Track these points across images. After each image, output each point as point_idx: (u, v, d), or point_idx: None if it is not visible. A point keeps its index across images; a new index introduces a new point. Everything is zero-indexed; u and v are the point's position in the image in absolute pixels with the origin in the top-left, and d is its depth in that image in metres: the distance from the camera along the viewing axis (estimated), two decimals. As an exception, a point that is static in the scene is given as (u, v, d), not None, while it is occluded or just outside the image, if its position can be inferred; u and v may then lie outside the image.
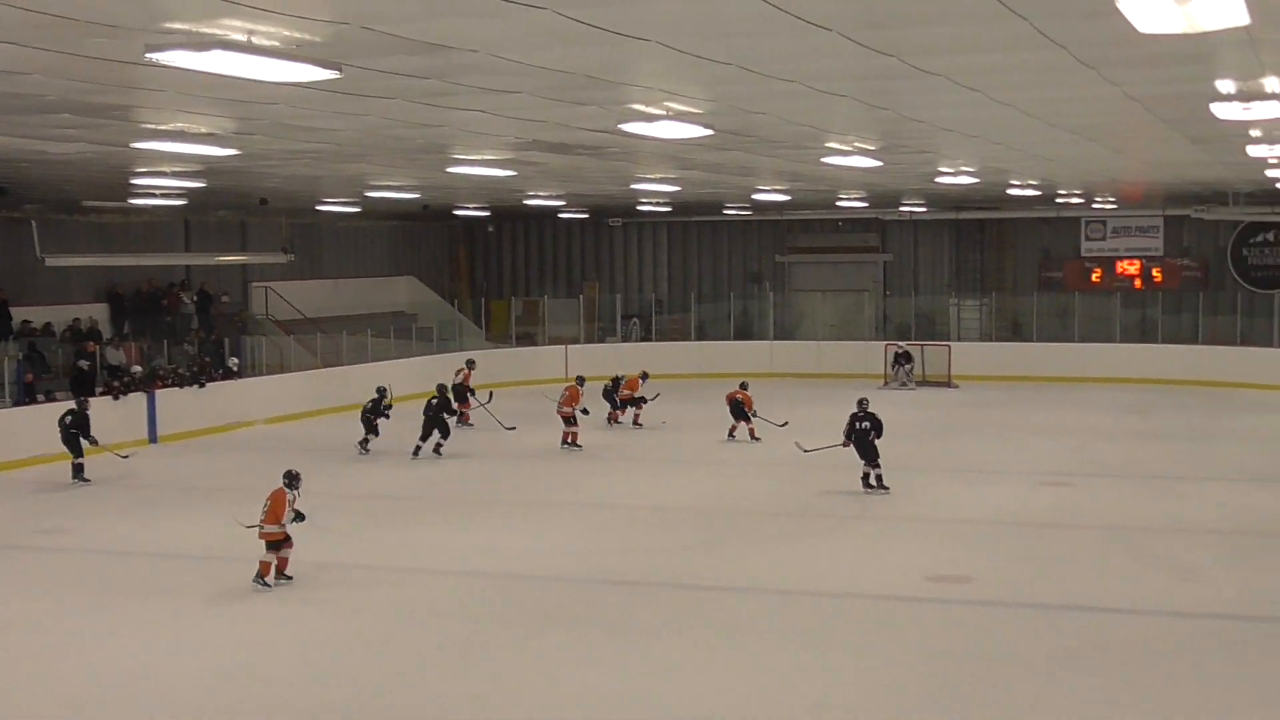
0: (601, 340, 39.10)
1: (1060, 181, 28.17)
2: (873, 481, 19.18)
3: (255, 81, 10.18)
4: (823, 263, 41.68)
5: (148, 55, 8.87)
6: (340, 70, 9.90)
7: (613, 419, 26.92)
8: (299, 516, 14.30)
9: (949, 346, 35.39)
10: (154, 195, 26.06)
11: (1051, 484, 20.09)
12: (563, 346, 36.81)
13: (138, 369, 25.79)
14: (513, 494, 20.11)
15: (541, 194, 30.88)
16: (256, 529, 14.14)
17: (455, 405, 25.03)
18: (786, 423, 24.37)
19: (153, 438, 24.78)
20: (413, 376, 29.00)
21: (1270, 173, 24.02)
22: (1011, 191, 30.58)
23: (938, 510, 18.21)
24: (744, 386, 25.07)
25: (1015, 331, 37.77)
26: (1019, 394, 32.43)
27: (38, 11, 8.09)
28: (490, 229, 44.06)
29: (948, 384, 34.12)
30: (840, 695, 10.79)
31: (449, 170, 21.65)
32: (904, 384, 34.04)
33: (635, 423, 26.64)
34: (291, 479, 14.47)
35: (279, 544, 14.17)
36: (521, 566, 15.16)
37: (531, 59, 10.33)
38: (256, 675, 11.35)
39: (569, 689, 10.94)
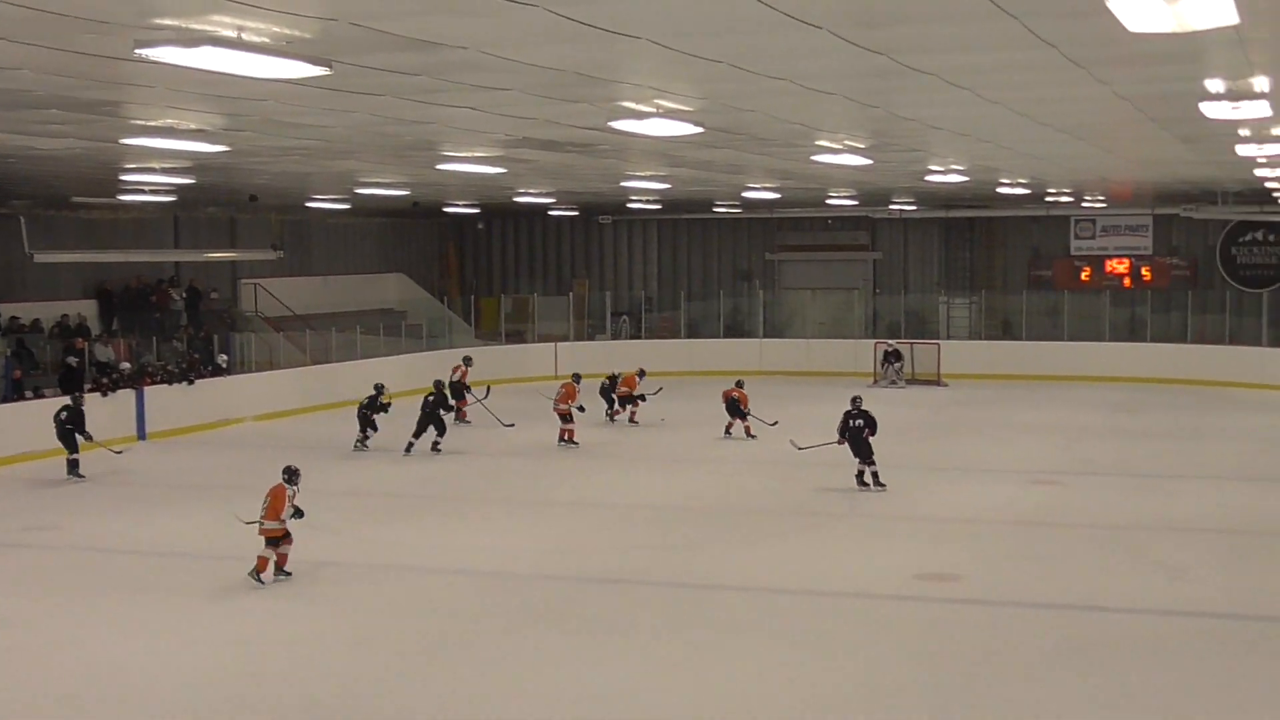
0: (591, 338, 39.11)
1: (1050, 180, 28.20)
2: (868, 479, 19.22)
3: (245, 78, 10.15)
4: (813, 261, 41.68)
5: (137, 51, 8.85)
6: (330, 67, 9.87)
7: (614, 416, 26.93)
8: (298, 513, 14.29)
9: (938, 345, 35.44)
10: (143, 191, 25.99)
11: (1041, 483, 20.12)
12: (552, 344, 36.80)
13: (126, 366, 25.73)
14: (506, 491, 20.10)
15: (531, 191, 30.85)
16: (256, 525, 14.15)
17: (453, 402, 25.07)
18: (776, 422, 24.40)
19: (141, 435, 24.74)
20: (401, 374, 28.99)
21: (1259, 172, 24.07)
22: (1001, 190, 30.62)
23: (927, 509, 18.24)
24: (740, 385, 25.14)
25: (1005, 330, 37.81)
26: (1008, 392, 32.48)
27: (27, 7, 8.06)
28: (480, 226, 44.03)
29: (937, 382, 34.15)
30: (829, 694, 10.80)
31: (439, 167, 21.62)
32: (893, 382, 34.06)
33: (631, 420, 26.68)
34: (291, 475, 14.47)
35: (278, 540, 14.18)
36: (512, 565, 15.14)
37: (521, 56, 10.31)
38: (248, 672, 11.34)
39: (558, 687, 10.93)
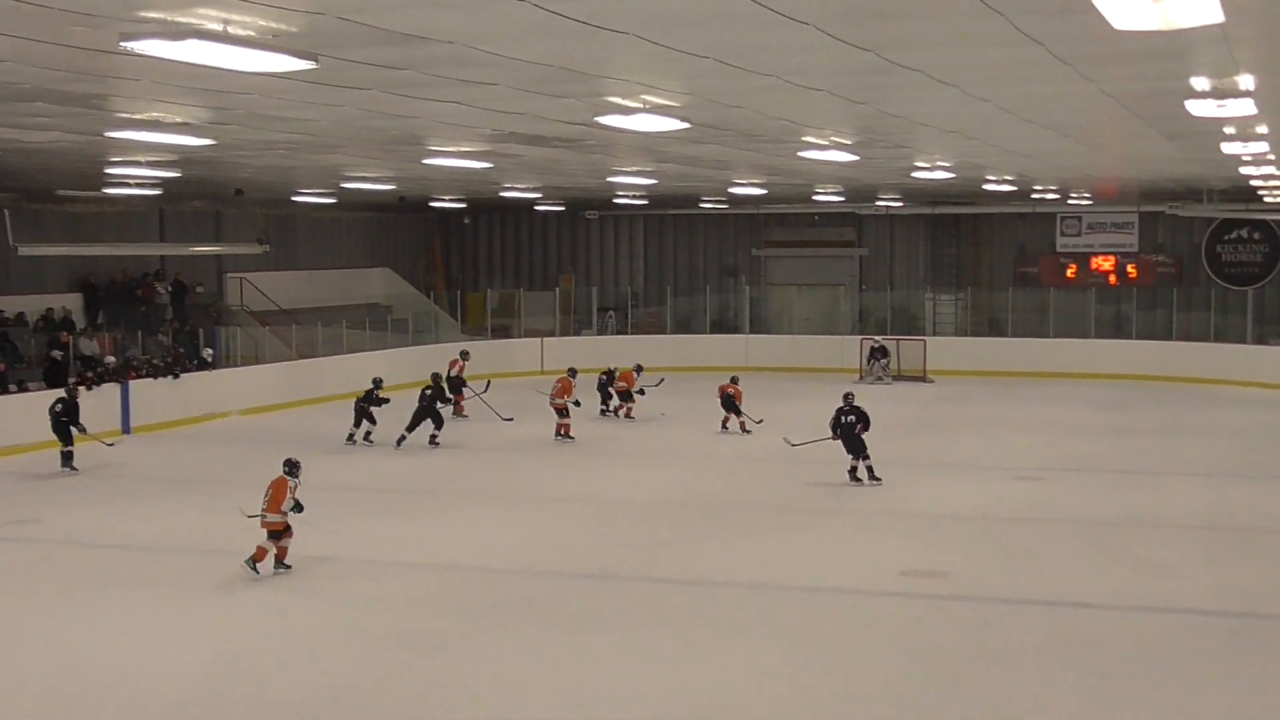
0: (577, 333, 39.15)
1: (1036, 177, 28.25)
2: (860, 475, 19.33)
3: (231, 71, 10.14)
4: (799, 257, 41.71)
5: (123, 44, 8.83)
6: (316, 61, 9.85)
7: (618, 411, 26.94)
8: (298, 506, 14.28)
9: (924, 341, 35.49)
10: (128, 185, 25.92)
11: (1026, 479, 20.17)
12: (538, 339, 36.79)
13: (111, 359, 25.68)
14: (500, 486, 20.06)
15: (518, 186, 30.81)
16: (259, 518, 14.14)
17: (450, 396, 25.11)
18: (761, 420, 24.52)
19: (126, 429, 24.67)
20: (387, 369, 28.74)
21: (1244, 170, 24.12)
22: (987, 187, 30.66)
23: (913, 505, 18.27)
24: (735, 381, 25.36)
25: (991, 326, 37.86)
26: (994, 389, 32.54)
27: (11, -1, 8.05)
28: (466, 221, 43.98)
29: (923, 379, 34.18)
30: (816, 689, 10.81)
31: (425, 162, 21.59)
32: (880, 378, 34.09)
33: (627, 415, 26.74)
34: (292, 467, 14.49)
35: (280, 533, 14.16)
36: (504, 560, 15.14)
37: (508, 51, 10.31)
38: (234, 667, 11.32)
39: (548, 682, 10.92)
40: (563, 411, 24.19)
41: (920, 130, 17.28)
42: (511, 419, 25.55)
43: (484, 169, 23.45)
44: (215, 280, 34.60)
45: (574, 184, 29.80)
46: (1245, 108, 13.28)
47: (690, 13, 8.73)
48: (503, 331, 38.08)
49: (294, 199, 33.20)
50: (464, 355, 27.90)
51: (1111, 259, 38.75)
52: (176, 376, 26.41)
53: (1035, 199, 35.61)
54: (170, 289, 31.94)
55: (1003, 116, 15.35)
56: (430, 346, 33.56)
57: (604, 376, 27.40)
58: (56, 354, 24.53)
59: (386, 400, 23.54)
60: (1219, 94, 12.58)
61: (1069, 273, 38.98)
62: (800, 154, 20.24)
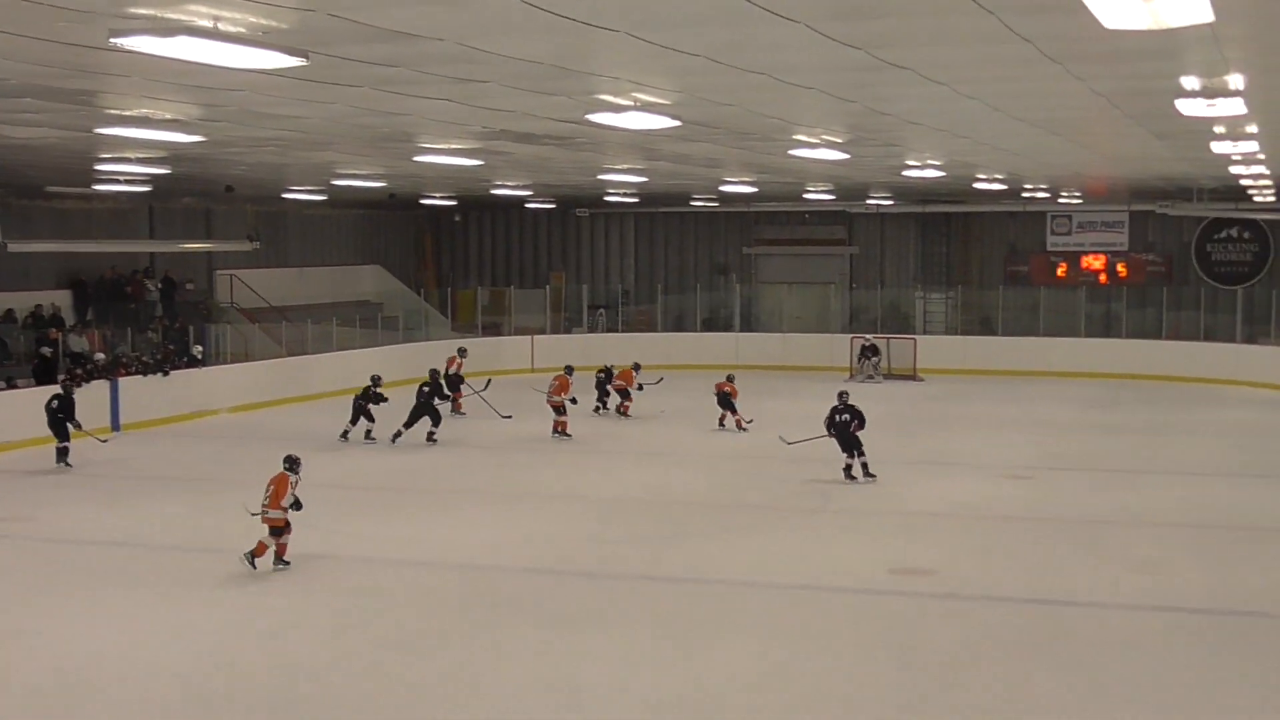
0: (568, 331, 39.12)
1: (1026, 176, 28.30)
2: (855, 472, 19.40)
3: (221, 68, 10.13)
4: (790, 255, 41.73)
5: (112, 40, 8.81)
6: (306, 57, 9.84)
7: (619, 409, 26.92)
8: (296, 504, 14.26)
9: (914, 340, 35.54)
10: (118, 181, 25.88)
11: (1016, 477, 20.20)
12: (529, 337, 36.79)
13: (101, 356, 25.62)
14: (495, 484, 20.01)
15: (509, 184, 30.82)
16: (261, 514, 14.15)
17: (448, 393, 25.11)
18: (752, 420, 24.62)
19: (116, 426, 24.61)
20: (378, 366, 28.60)
21: (1234, 169, 24.17)
22: (978, 185, 30.69)
23: (902, 503, 18.29)
24: (730, 379, 25.50)
25: (981, 325, 37.90)
26: (984, 387, 32.57)
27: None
28: (457, 218, 43.91)
29: (913, 377, 34.22)
30: (805, 686, 10.82)
31: (416, 159, 21.58)
32: (870, 377, 34.12)
33: (624, 413, 26.75)
34: (293, 463, 14.51)
35: (280, 529, 14.17)
36: (496, 558, 15.13)
37: (499, 49, 10.30)
38: (220, 664, 11.29)
39: (537, 679, 10.91)
40: (560, 409, 24.21)
41: (911, 128, 17.29)
42: (510, 417, 25.57)
43: (475, 166, 23.44)
44: (205, 277, 34.53)
45: (565, 182, 29.80)
46: (1235, 107, 13.31)
47: (681, 10, 8.73)
48: (493, 329, 38.06)
49: (284, 196, 33.15)
50: (462, 353, 27.89)
51: (1102, 258, 38.83)
52: (166, 374, 26.35)
53: (1026, 198, 35.66)
54: (160, 286, 31.89)
55: (993, 115, 15.37)
56: (420, 344, 33.54)
57: (602, 374, 27.41)
58: (46, 351, 24.47)
59: (385, 399, 23.51)
60: (1209, 93, 12.61)
61: (1059, 271, 39.05)
62: (791, 152, 20.25)
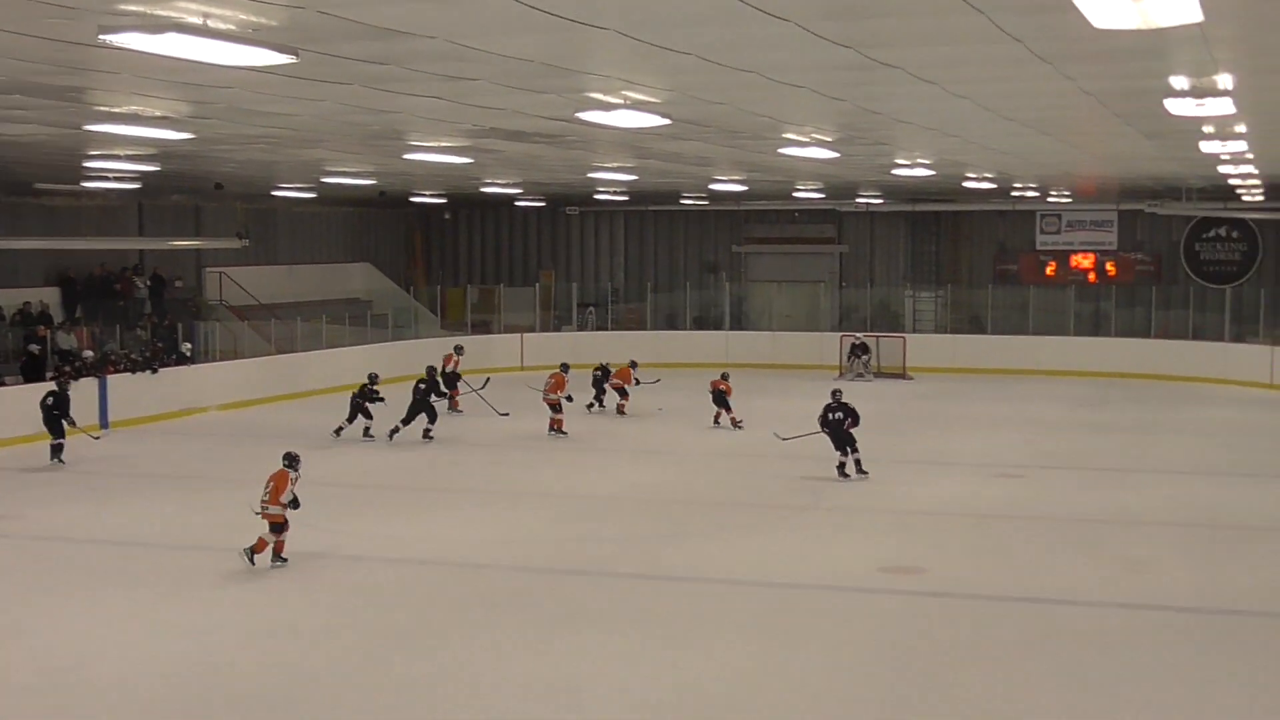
0: (557, 329, 39.12)
1: (1016, 174, 28.33)
2: (849, 470, 19.46)
3: (210, 65, 10.10)
4: (779, 253, 41.75)
5: (101, 37, 8.79)
6: (296, 55, 9.83)
7: (620, 408, 26.87)
8: (294, 502, 14.24)
9: (904, 338, 35.57)
10: (107, 179, 25.81)
11: (1005, 476, 20.23)
12: (518, 335, 36.78)
13: (89, 354, 25.56)
14: (491, 482, 19.97)
15: (498, 182, 30.82)
16: (261, 511, 14.14)
17: (445, 390, 25.10)
18: (742, 420, 24.69)
19: (104, 423, 24.54)
20: (367, 364, 28.64)
21: (1222, 169, 24.24)
22: (967, 184, 30.74)
23: (892, 501, 18.31)
24: (725, 377, 25.56)
25: (970, 324, 37.94)
26: (973, 386, 32.60)
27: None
28: (446, 216, 43.90)
29: (902, 375, 34.26)
30: (794, 685, 10.82)
31: (406, 157, 21.56)
32: (860, 375, 34.13)
33: (620, 410, 26.75)
34: (292, 460, 14.49)
35: (280, 526, 14.16)
36: (493, 555, 15.13)
37: (489, 46, 10.29)
38: (206, 663, 11.25)
39: (528, 677, 10.88)
40: (556, 407, 24.23)
41: (900, 127, 17.31)
42: (507, 414, 25.58)
43: (465, 164, 23.43)
44: (194, 275, 34.49)
45: (555, 180, 29.80)
46: (1224, 107, 13.34)
47: (671, 9, 8.73)
48: (483, 327, 38.01)
49: (274, 193, 33.12)
50: (458, 350, 27.90)
51: (1091, 257, 38.92)
52: (155, 371, 26.31)
53: (1015, 197, 35.71)
54: (149, 283, 31.81)
55: (982, 114, 15.39)
56: (410, 342, 33.54)
57: (598, 372, 27.42)
58: (34, 348, 24.41)
59: (382, 399, 23.48)
60: (1198, 93, 12.64)
61: (1048, 270, 39.13)
62: (781, 151, 20.27)
